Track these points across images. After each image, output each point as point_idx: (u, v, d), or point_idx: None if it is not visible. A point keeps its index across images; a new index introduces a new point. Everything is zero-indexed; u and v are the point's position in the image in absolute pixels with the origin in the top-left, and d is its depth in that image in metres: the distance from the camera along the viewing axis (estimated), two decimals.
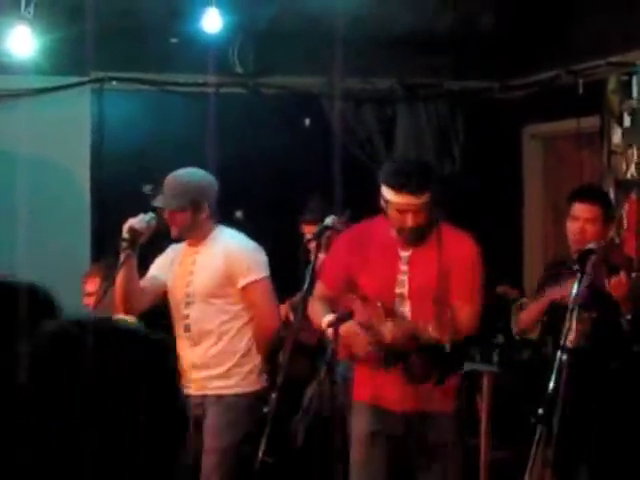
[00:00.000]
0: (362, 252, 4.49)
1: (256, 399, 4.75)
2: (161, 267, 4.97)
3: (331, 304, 4.50)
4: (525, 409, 5.96)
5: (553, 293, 4.98)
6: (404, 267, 4.44)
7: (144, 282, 4.87)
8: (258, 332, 4.90)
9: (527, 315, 5.28)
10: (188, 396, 4.74)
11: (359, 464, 4.54)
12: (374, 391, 4.50)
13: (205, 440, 4.81)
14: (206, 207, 4.82)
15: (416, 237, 4.41)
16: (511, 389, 6.08)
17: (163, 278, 4.93)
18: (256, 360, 4.89)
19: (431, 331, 4.12)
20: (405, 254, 4.45)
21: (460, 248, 4.42)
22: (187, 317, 4.87)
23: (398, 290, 4.43)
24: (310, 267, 4.46)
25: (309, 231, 5.71)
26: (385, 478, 4.51)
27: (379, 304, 4.37)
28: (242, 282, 4.81)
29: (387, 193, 4.36)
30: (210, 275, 4.84)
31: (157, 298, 4.96)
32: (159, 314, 4.98)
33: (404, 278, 4.43)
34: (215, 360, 4.84)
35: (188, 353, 4.87)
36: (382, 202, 4.40)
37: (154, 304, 4.95)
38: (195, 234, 4.87)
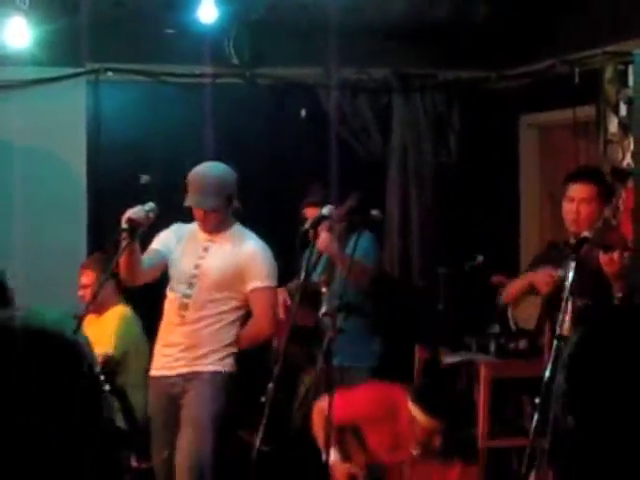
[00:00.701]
0: None
1: (230, 379, 4.87)
2: (166, 243, 5.02)
3: None
4: (522, 398, 5.98)
5: (534, 275, 5.03)
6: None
7: (147, 254, 4.94)
8: (251, 332, 4.99)
9: (509, 289, 5.32)
10: (159, 377, 4.85)
11: None
12: None
13: (183, 415, 4.87)
14: (235, 201, 4.92)
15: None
16: (508, 378, 6.09)
17: (165, 253, 4.97)
18: (234, 349, 4.96)
19: None
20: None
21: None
22: (188, 297, 4.92)
23: None
24: (306, 255, 4.47)
25: (311, 214, 5.75)
26: None
27: None
28: (253, 285, 4.89)
29: None
30: (219, 268, 4.89)
31: (160, 272, 5.04)
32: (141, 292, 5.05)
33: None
34: (200, 342, 4.91)
35: (173, 330, 4.94)
36: None
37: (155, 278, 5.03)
38: (220, 227, 4.96)
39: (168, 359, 4.96)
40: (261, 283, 4.90)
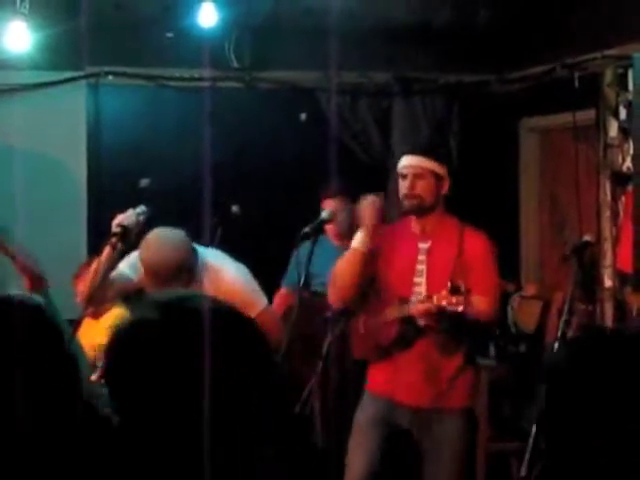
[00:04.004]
0: (387, 242, 4.55)
1: None
2: (136, 270, 4.69)
3: None
4: (522, 402, 5.98)
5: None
6: (422, 257, 4.46)
7: (112, 276, 4.62)
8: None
9: None
10: None
11: (355, 446, 4.56)
12: (387, 384, 4.52)
13: None
14: (195, 262, 4.56)
15: (416, 207, 4.47)
16: (508, 381, 6.10)
17: (133, 277, 4.66)
18: None
19: (436, 299, 4.13)
20: (424, 246, 4.48)
21: (479, 250, 4.46)
22: None
23: (416, 279, 4.45)
24: (305, 262, 4.47)
25: (328, 206, 5.78)
26: (377, 463, 4.51)
27: (396, 301, 4.42)
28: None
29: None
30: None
31: (120, 295, 4.83)
32: None
33: (422, 268, 4.46)
34: None
35: None
36: None
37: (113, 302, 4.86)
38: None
39: None
40: (257, 308, 4.61)
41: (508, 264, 7.13)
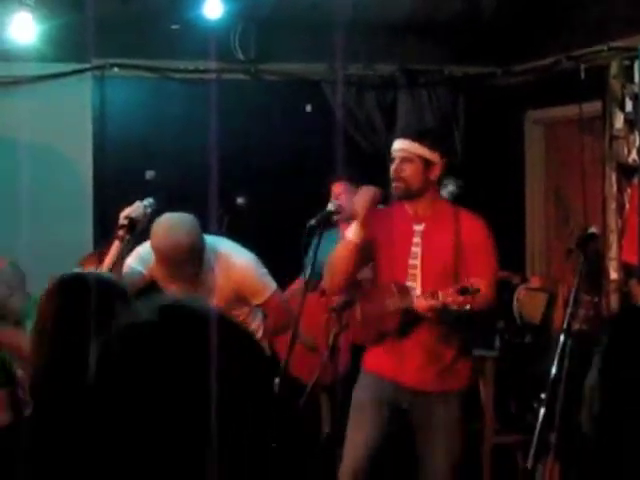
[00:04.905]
0: (383, 227, 4.54)
1: None
2: (144, 262, 4.76)
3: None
4: (528, 393, 5.98)
5: None
6: (417, 239, 4.47)
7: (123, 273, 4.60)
8: (272, 326, 4.92)
9: None
10: None
11: (354, 427, 4.56)
12: (388, 366, 4.53)
13: None
14: (204, 247, 4.61)
15: (402, 190, 4.45)
16: (513, 373, 6.10)
17: (144, 271, 4.73)
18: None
19: (441, 296, 4.13)
20: (418, 228, 4.49)
21: (475, 232, 4.44)
22: None
23: (411, 262, 4.46)
24: (311, 255, 4.47)
25: (338, 190, 5.78)
26: (377, 441, 4.52)
27: (392, 286, 4.42)
28: (257, 301, 4.79)
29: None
30: (221, 302, 4.77)
31: (132, 290, 4.87)
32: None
33: (417, 250, 4.46)
34: None
35: None
36: None
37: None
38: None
39: None
40: (263, 296, 4.76)
41: (514, 256, 7.15)
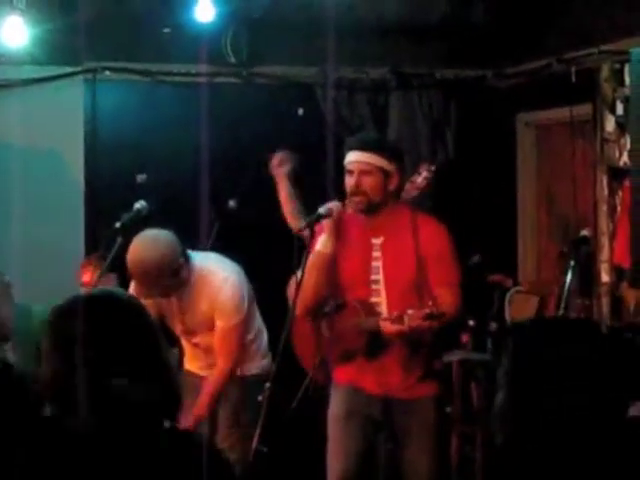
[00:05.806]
0: (341, 239, 4.48)
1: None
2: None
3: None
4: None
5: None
6: (377, 254, 4.41)
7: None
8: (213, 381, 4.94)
9: None
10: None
11: (334, 441, 4.53)
12: (354, 375, 4.50)
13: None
14: (182, 265, 4.66)
15: (364, 204, 4.37)
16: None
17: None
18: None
19: (407, 320, 4.09)
20: (377, 241, 4.42)
21: (435, 239, 4.37)
22: (196, 345, 4.97)
23: (373, 277, 4.40)
24: (304, 257, 4.45)
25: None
26: (359, 454, 4.49)
27: (357, 304, 4.39)
28: (219, 322, 4.78)
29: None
30: (200, 317, 4.80)
31: None
32: None
33: (378, 265, 4.40)
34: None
35: (197, 354, 4.99)
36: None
37: None
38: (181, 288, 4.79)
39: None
40: (226, 324, 4.78)
41: (505, 259, 7.16)
